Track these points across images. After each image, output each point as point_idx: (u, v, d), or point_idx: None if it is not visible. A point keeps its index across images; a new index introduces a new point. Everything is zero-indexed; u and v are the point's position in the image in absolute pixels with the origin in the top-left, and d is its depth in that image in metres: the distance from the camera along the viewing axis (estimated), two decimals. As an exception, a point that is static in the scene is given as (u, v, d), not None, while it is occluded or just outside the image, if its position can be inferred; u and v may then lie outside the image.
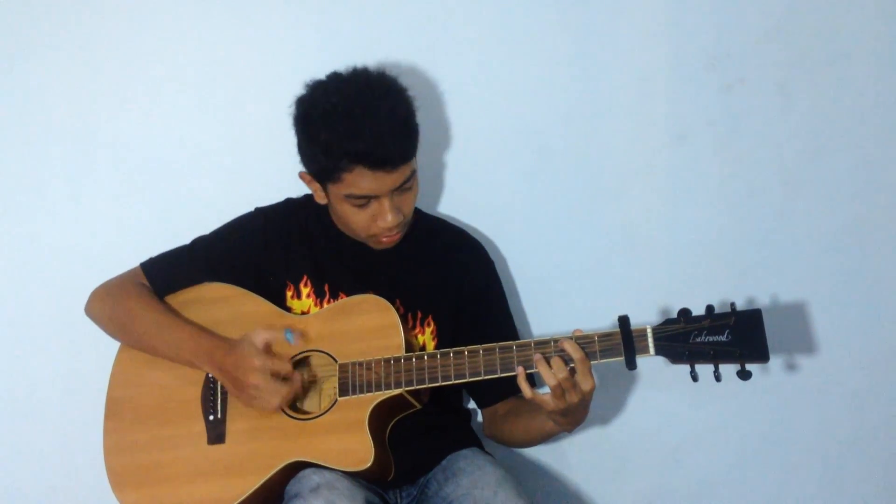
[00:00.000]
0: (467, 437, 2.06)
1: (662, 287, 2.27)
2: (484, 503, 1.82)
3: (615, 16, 2.21)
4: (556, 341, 1.77)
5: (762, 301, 2.25)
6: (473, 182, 2.24)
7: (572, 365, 1.75)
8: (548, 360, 1.75)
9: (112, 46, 2.15)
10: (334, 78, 1.87)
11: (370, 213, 1.86)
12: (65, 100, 2.15)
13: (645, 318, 2.11)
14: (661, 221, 2.28)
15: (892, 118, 2.26)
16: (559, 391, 1.75)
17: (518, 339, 2.03)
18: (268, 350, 1.85)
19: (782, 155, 2.26)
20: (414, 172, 1.87)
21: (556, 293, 2.27)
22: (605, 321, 2.17)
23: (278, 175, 2.14)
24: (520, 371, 1.77)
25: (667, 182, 2.27)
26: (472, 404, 2.24)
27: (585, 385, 1.75)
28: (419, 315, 1.98)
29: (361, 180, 1.80)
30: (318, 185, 1.90)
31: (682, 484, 2.36)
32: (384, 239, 1.91)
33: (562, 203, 2.26)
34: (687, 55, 2.22)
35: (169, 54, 2.16)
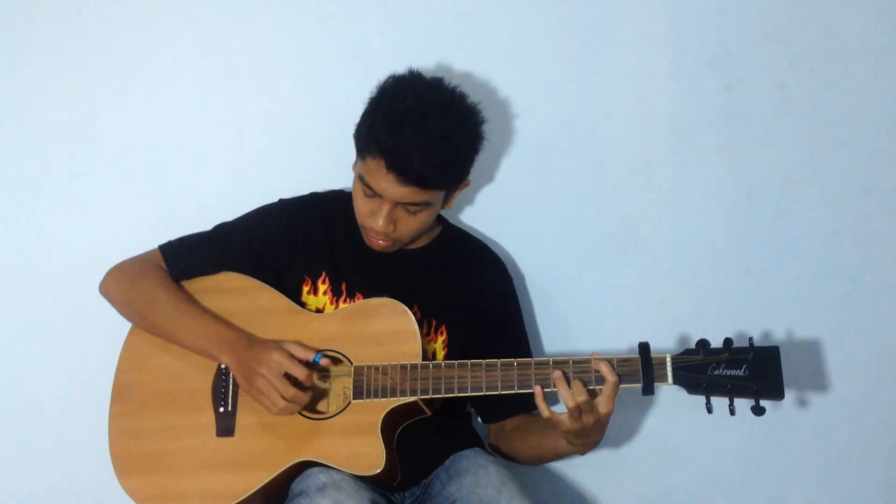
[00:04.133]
0: (470, 438, 2.05)
1: (662, 286, 2.27)
2: (487, 502, 1.81)
3: (615, 16, 2.21)
4: (576, 361, 1.77)
5: (762, 299, 2.25)
6: (472, 183, 2.23)
7: (592, 387, 1.75)
8: (568, 381, 1.75)
9: (112, 45, 2.14)
10: (417, 77, 1.87)
11: (371, 206, 1.86)
12: (65, 98, 2.14)
13: (645, 316, 2.12)
14: (660, 221, 2.28)
15: (892, 118, 2.26)
16: (577, 412, 1.74)
17: (530, 356, 2.02)
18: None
19: (782, 155, 2.26)
20: (428, 205, 1.85)
21: (557, 293, 2.27)
22: (605, 319, 2.18)
23: (279, 174, 2.16)
24: (537, 390, 1.76)
25: (666, 182, 2.27)
26: (473, 404, 2.24)
27: (604, 408, 1.75)
28: (434, 323, 1.97)
29: (374, 171, 1.80)
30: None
31: (682, 484, 2.36)
32: (371, 236, 1.90)
33: (561, 203, 2.26)
34: (687, 55, 2.23)
35: (170, 51, 2.16)
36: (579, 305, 2.27)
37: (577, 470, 2.32)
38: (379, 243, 1.90)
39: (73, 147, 2.16)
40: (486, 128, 2.08)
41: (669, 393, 2.28)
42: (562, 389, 1.74)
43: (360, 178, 1.84)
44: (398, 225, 1.86)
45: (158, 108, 2.17)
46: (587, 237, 2.27)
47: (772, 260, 2.29)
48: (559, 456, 1.93)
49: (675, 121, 2.25)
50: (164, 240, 2.01)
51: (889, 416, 2.34)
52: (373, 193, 1.83)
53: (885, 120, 2.26)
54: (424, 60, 2.15)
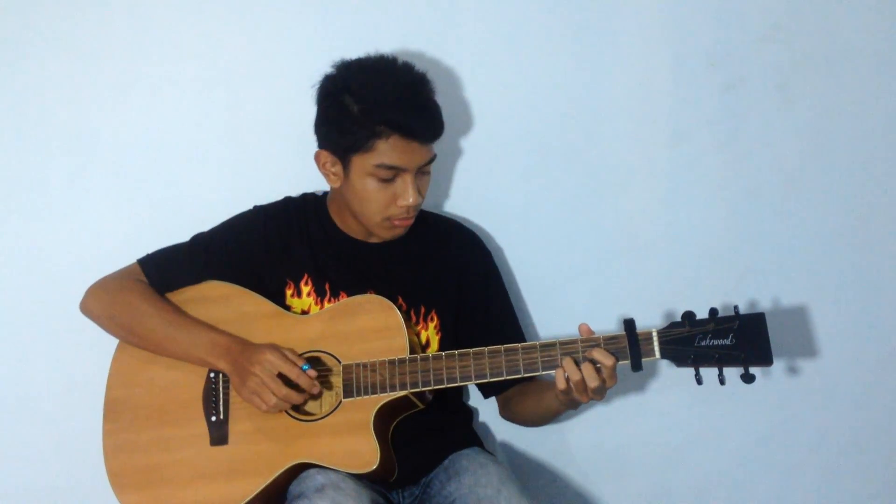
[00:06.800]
0: (469, 437, 2.07)
1: (662, 285, 2.28)
2: (487, 501, 1.82)
3: (616, 16, 2.21)
4: (563, 343, 1.78)
5: (762, 301, 2.26)
6: (473, 181, 2.24)
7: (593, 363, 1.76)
8: (563, 364, 1.76)
9: (112, 46, 2.14)
10: (366, 59, 1.90)
11: (392, 191, 1.86)
12: (64, 99, 2.14)
13: (644, 314, 2.11)
14: (660, 221, 2.28)
15: (892, 118, 2.26)
16: (581, 387, 1.76)
17: (518, 327, 2.05)
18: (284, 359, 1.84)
19: (782, 155, 2.27)
20: (434, 157, 1.90)
21: (555, 292, 2.27)
22: (605, 317, 2.19)
23: (276, 173, 2.15)
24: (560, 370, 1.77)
25: (667, 182, 2.27)
26: (472, 403, 2.24)
27: (609, 383, 1.76)
28: (422, 310, 1.98)
29: (394, 150, 1.82)
30: (337, 166, 1.89)
31: (682, 484, 2.36)
32: (398, 222, 1.90)
33: (562, 202, 2.26)
34: (687, 55, 2.23)
35: (167, 52, 2.16)
36: (578, 304, 2.27)
37: (578, 470, 2.33)
38: (405, 223, 1.91)
39: (71, 151, 2.16)
40: (486, 125, 2.18)
41: (669, 392, 2.29)
42: (558, 375, 1.77)
43: (377, 168, 1.84)
44: (421, 190, 1.89)
45: (157, 109, 2.17)
46: (587, 237, 2.27)
47: (771, 260, 2.29)
48: (557, 413, 1.95)
49: (675, 121, 2.25)
50: (164, 244, 2.01)
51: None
52: (392, 175, 1.85)
53: (885, 120, 2.26)
54: (425, 60, 2.16)
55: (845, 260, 2.30)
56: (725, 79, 2.23)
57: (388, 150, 1.82)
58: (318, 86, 1.90)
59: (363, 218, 1.92)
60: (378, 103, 1.81)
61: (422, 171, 1.88)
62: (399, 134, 1.81)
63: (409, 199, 1.86)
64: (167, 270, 1.98)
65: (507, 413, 2.08)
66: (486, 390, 2.07)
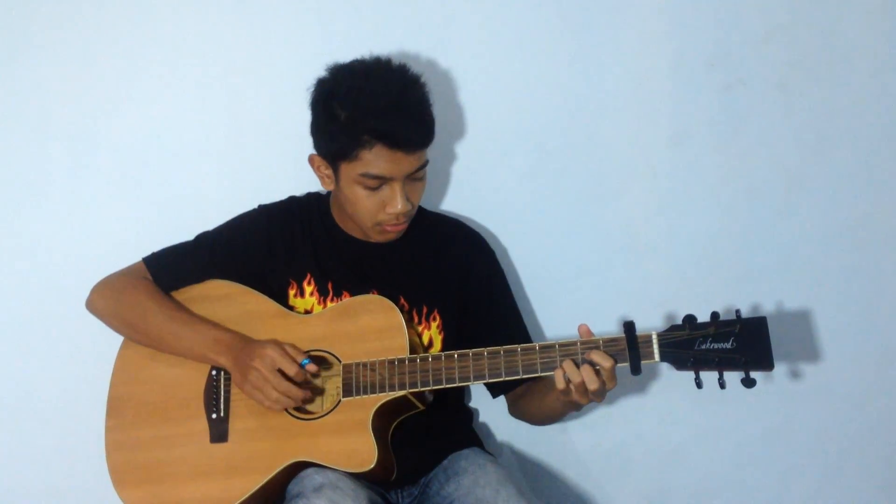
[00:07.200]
0: (468, 437, 2.07)
1: (662, 286, 2.27)
2: (485, 502, 1.82)
3: (616, 16, 2.21)
4: (562, 345, 1.77)
5: (762, 302, 2.25)
6: (474, 182, 2.24)
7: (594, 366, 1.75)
8: (562, 366, 1.75)
9: (112, 45, 2.14)
10: (359, 62, 1.89)
11: (380, 198, 1.86)
12: (65, 97, 2.14)
13: (644, 315, 2.12)
14: (660, 221, 2.28)
15: (892, 118, 2.26)
16: (581, 389, 1.75)
17: (523, 326, 2.05)
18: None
19: (782, 155, 2.27)
20: (426, 163, 1.88)
21: (557, 292, 2.27)
22: (605, 317, 2.18)
23: (279, 172, 2.15)
24: (558, 373, 1.76)
25: (667, 182, 2.27)
26: (473, 403, 2.24)
27: (610, 385, 1.76)
28: (424, 310, 1.98)
29: (378, 160, 1.81)
30: (329, 170, 1.90)
31: (682, 484, 2.36)
32: (389, 228, 1.90)
33: (561, 203, 2.26)
34: (687, 55, 2.23)
35: (169, 52, 2.16)
36: (579, 304, 2.26)
37: (578, 470, 2.33)
38: (397, 228, 1.91)
39: (75, 150, 2.16)
40: (486, 125, 2.18)
41: (669, 393, 2.29)
42: (558, 376, 1.76)
43: (362, 177, 1.83)
44: (411, 197, 1.88)
45: (159, 107, 2.17)
46: (587, 237, 2.27)
47: (771, 260, 2.28)
48: (561, 414, 1.95)
49: (675, 121, 2.25)
50: (168, 243, 2.02)
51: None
52: (379, 184, 1.84)
53: (886, 120, 2.26)
54: (425, 60, 2.16)
55: (849, 262, 2.30)
56: (725, 79, 2.23)
57: (372, 160, 1.81)
58: (311, 89, 1.90)
59: (356, 221, 1.93)
60: (363, 111, 1.79)
61: (412, 178, 1.87)
62: (383, 143, 1.80)
63: (398, 206, 1.85)
64: (171, 269, 1.99)
65: (515, 412, 2.08)
66: (494, 390, 2.07)
